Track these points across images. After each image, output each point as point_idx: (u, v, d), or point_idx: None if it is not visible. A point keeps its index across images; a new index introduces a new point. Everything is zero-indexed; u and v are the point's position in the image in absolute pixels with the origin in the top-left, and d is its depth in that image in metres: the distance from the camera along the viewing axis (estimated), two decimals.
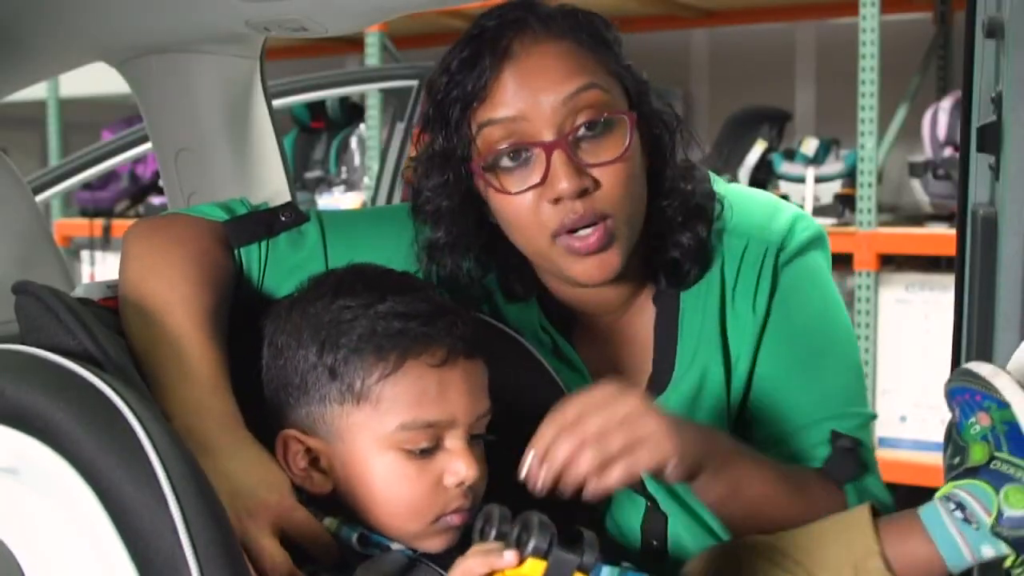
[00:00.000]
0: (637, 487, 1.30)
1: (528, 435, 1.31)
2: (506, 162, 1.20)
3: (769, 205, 1.32)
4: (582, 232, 1.18)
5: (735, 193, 1.33)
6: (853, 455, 1.24)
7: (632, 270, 1.27)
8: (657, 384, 1.30)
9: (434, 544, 1.12)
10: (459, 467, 1.10)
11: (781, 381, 1.27)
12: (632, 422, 1.06)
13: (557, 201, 1.17)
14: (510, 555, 0.98)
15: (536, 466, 1.06)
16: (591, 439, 1.05)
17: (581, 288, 1.26)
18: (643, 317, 1.32)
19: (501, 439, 1.31)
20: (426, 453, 1.11)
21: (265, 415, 1.16)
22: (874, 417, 1.31)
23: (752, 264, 1.27)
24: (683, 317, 1.29)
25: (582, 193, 1.17)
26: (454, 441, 1.11)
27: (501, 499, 1.07)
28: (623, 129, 1.19)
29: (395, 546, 1.12)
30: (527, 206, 1.19)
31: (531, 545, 0.97)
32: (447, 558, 1.07)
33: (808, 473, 1.24)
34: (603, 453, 1.05)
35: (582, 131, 1.18)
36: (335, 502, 1.13)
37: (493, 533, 1.01)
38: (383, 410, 1.10)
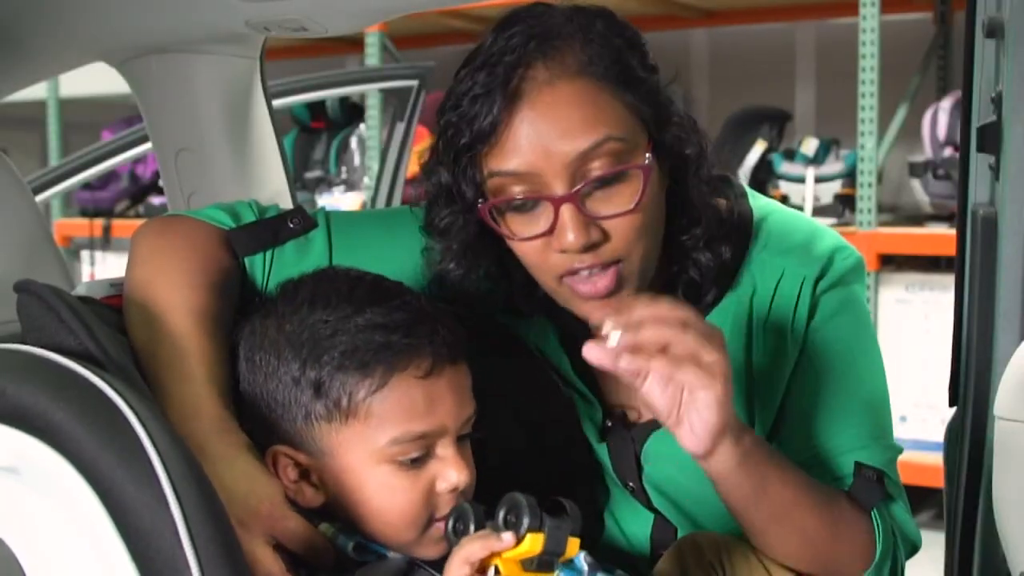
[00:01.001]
0: (642, 501, 1.30)
1: (526, 433, 1.31)
2: (514, 209, 1.16)
3: (809, 230, 1.27)
4: (592, 279, 1.15)
5: (774, 214, 1.28)
6: (879, 484, 1.21)
7: (650, 289, 1.22)
8: None
9: (429, 552, 1.12)
10: (451, 474, 1.10)
11: (809, 410, 1.23)
12: (709, 368, 1.04)
13: (564, 251, 1.14)
14: (508, 536, 0.99)
15: (613, 336, 1.04)
16: (680, 352, 1.04)
17: None
18: None
19: (498, 436, 1.31)
20: (417, 463, 1.10)
21: (251, 431, 1.14)
22: (900, 451, 1.27)
23: (789, 293, 1.23)
24: None
25: (590, 247, 1.13)
26: (445, 448, 1.11)
27: (490, 488, 1.10)
28: (638, 179, 1.13)
29: (391, 554, 1.12)
30: (535, 250, 1.16)
31: (525, 522, 0.99)
32: (444, 562, 1.07)
33: (837, 491, 1.21)
34: (674, 368, 1.04)
35: (592, 186, 1.12)
36: (328, 513, 1.13)
37: (471, 530, 1.02)
38: (373, 425, 1.09)
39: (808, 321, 1.23)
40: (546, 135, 1.11)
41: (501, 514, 1.01)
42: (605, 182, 1.13)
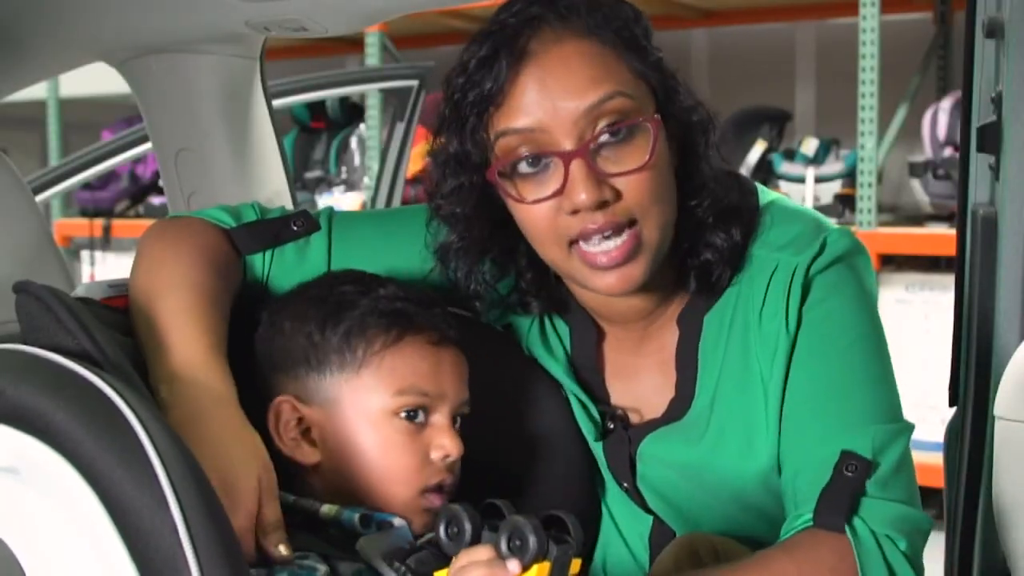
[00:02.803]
0: (638, 503, 1.30)
1: (523, 429, 1.31)
2: (524, 168, 1.14)
3: (809, 223, 1.23)
4: (606, 244, 1.13)
5: (779, 208, 1.25)
6: (847, 486, 1.11)
7: (662, 277, 1.22)
8: (677, 410, 1.27)
9: (416, 522, 1.16)
10: (445, 442, 1.17)
11: (806, 393, 1.19)
12: None
13: (576, 212, 1.13)
14: (513, 565, 0.99)
15: None
16: None
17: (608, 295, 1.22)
18: (668, 336, 1.28)
19: (495, 433, 1.32)
20: (416, 424, 1.17)
21: (256, 389, 1.19)
22: (907, 427, 1.18)
23: (781, 284, 1.20)
24: (704, 343, 1.24)
25: (602, 204, 1.12)
26: (441, 418, 1.18)
27: (490, 487, 1.12)
28: (647, 136, 1.13)
29: (397, 522, 1.14)
30: (545, 215, 1.15)
31: (531, 549, 0.97)
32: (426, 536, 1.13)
33: (774, 550, 1.11)
34: None
35: (603, 138, 1.12)
36: (317, 474, 1.16)
37: (467, 534, 1.01)
38: (383, 376, 1.16)
39: (801, 304, 1.20)
40: (554, 91, 1.12)
41: (504, 539, 0.99)
42: (615, 138, 1.13)
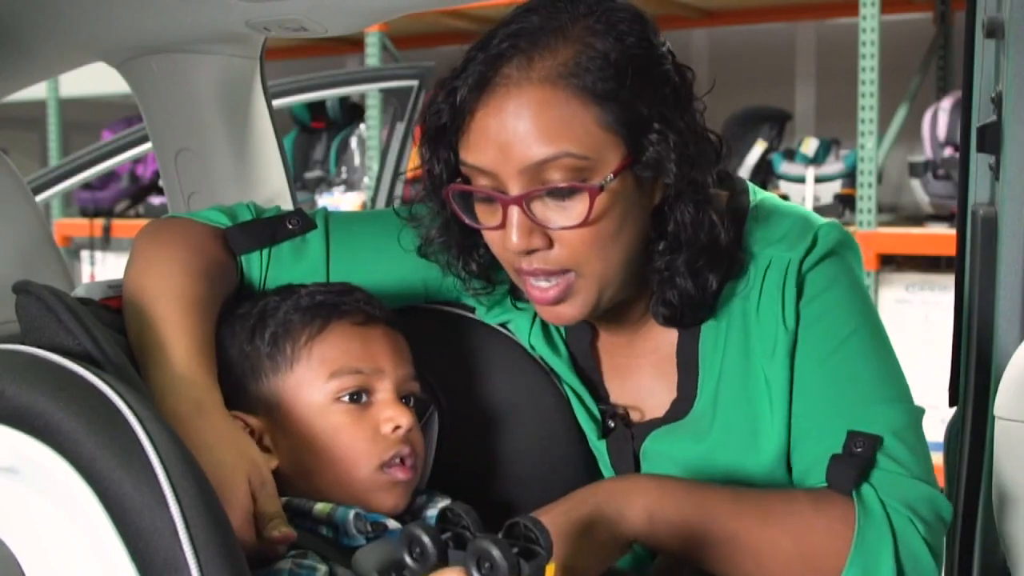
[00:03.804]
0: None
1: (523, 428, 1.31)
2: (477, 195, 1.18)
3: (798, 220, 1.24)
4: (540, 283, 1.17)
5: (766, 207, 1.26)
6: (857, 459, 1.13)
7: (639, 291, 1.23)
8: (680, 410, 1.27)
9: (386, 501, 1.17)
10: (391, 413, 1.18)
11: (813, 387, 1.19)
12: None
13: (509, 251, 1.16)
14: None
15: None
16: None
17: None
18: (662, 336, 1.28)
19: (495, 432, 1.33)
20: (360, 404, 1.18)
21: None
22: (917, 411, 1.18)
23: (775, 281, 1.20)
24: (703, 342, 1.24)
25: (533, 251, 1.15)
26: (384, 393, 1.20)
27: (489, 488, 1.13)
28: (586, 199, 1.12)
29: (392, 524, 1.15)
30: (494, 241, 1.19)
31: (503, 573, 0.92)
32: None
33: (794, 491, 1.16)
34: None
35: (544, 193, 1.13)
36: (281, 480, 1.16)
37: (432, 556, 0.96)
38: (314, 366, 1.19)
39: (797, 300, 1.20)
40: (505, 136, 1.12)
41: (473, 564, 0.93)
42: (555, 196, 1.13)
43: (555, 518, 1.08)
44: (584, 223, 1.12)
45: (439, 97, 1.18)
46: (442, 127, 1.18)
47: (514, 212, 1.13)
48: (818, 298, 1.20)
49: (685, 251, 1.18)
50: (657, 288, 1.21)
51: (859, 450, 1.13)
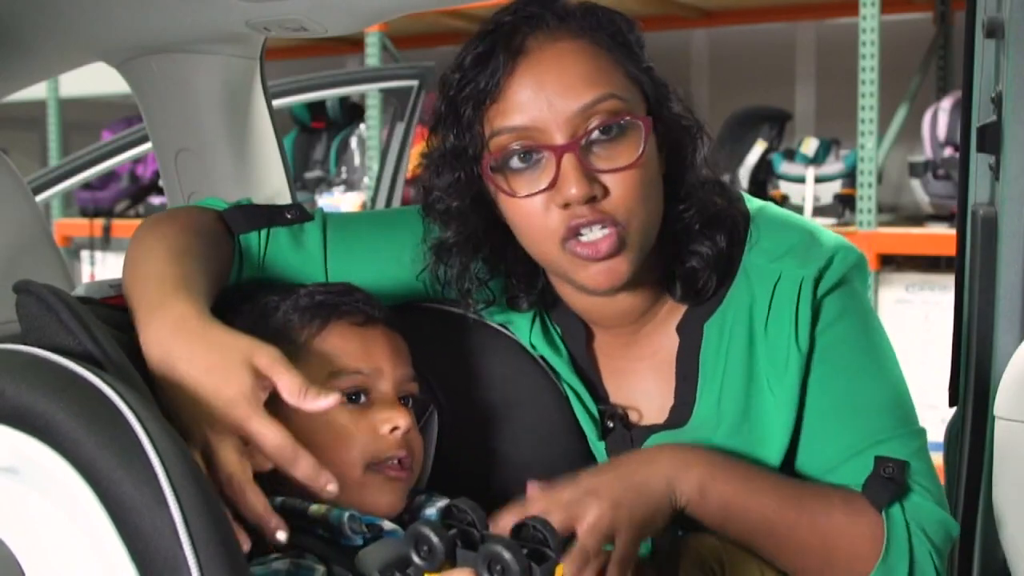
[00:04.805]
0: None
1: (523, 428, 1.29)
2: (516, 163, 1.16)
3: (804, 231, 1.25)
4: (590, 236, 1.15)
5: (770, 216, 1.27)
6: (894, 478, 1.16)
7: (649, 279, 1.24)
8: (679, 417, 1.27)
9: (382, 501, 1.17)
10: (390, 414, 1.18)
11: (827, 412, 1.21)
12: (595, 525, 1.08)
13: (566, 206, 1.14)
14: None
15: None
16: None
17: (596, 296, 1.23)
18: (660, 340, 1.29)
19: (495, 432, 1.33)
20: (358, 402, 1.18)
21: None
22: (922, 432, 1.23)
23: (788, 297, 1.21)
24: (705, 350, 1.25)
25: (591, 199, 1.14)
26: (383, 393, 1.20)
27: (489, 487, 1.12)
28: (638, 135, 1.15)
29: (387, 525, 1.15)
30: (536, 210, 1.16)
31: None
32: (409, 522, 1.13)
33: (829, 496, 1.18)
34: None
35: (595, 135, 1.14)
36: (277, 481, 1.13)
37: (440, 552, 0.96)
38: (313, 365, 1.17)
39: (813, 325, 1.21)
40: (549, 89, 1.14)
41: (484, 567, 0.94)
42: (606, 135, 1.15)
43: (613, 480, 1.12)
44: (637, 159, 1.15)
45: (456, 78, 1.18)
46: (471, 104, 1.17)
47: (568, 160, 1.14)
48: (834, 326, 1.22)
49: (697, 212, 1.22)
50: (676, 255, 1.24)
51: (890, 473, 1.17)
